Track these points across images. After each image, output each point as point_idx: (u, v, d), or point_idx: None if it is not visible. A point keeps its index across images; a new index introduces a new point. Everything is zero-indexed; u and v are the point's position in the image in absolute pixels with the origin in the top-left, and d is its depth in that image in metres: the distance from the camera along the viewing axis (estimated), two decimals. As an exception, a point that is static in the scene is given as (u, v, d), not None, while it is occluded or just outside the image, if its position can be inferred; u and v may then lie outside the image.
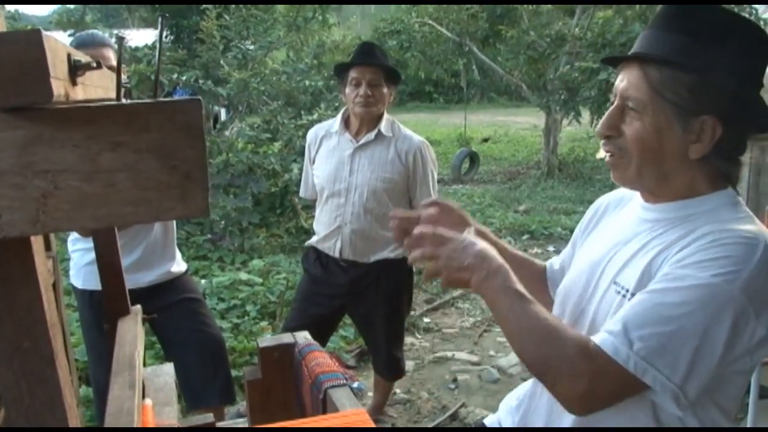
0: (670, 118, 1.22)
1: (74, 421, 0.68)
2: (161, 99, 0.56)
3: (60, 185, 0.53)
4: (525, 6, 11.89)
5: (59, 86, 0.52)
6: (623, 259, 1.33)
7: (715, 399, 1.23)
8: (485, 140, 16.28)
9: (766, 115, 1.25)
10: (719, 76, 1.21)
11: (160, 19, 0.72)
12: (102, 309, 2.45)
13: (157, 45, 0.66)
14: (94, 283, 2.55)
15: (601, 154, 1.45)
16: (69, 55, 0.59)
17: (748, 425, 2.70)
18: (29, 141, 0.52)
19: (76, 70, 0.59)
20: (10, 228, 0.53)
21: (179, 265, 2.77)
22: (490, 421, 1.68)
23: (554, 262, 1.72)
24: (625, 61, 1.30)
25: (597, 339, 1.17)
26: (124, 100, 0.67)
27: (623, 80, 1.28)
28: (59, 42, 0.56)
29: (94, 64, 0.61)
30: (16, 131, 0.52)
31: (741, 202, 1.30)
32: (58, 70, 0.53)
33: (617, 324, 1.16)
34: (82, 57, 0.62)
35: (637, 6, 10.63)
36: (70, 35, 8.35)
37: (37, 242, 0.60)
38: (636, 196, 1.44)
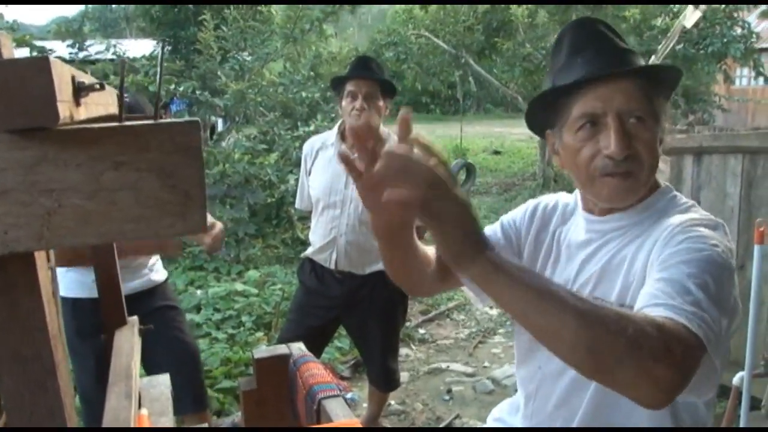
0: (659, 121, 1.29)
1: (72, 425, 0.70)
2: (162, 120, 0.58)
3: (64, 203, 0.56)
4: (521, 18, 11.96)
5: (65, 108, 0.55)
6: (590, 275, 1.36)
7: (702, 392, 1.25)
8: (497, 152, 16.28)
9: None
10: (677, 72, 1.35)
11: (161, 45, 0.75)
12: (85, 317, 2.48)
13: (158, 69, 0.69)
14: (77, 292, 2.58)
15: None
16: (73, 78, 0.61)
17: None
18: (35, 161, 0.55)
19: (80, 91, 0.62)
20: (15, 244, 0.56)
21: (160, 274, 2.82)
22: None
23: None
24: (601, 81, 1.28)
25: (663, 313, 1.06)
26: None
27: (614, 98, 1.27)
28: (65, 66, 0.59)
29: (98, 86, 0.64)
30: (23, 152, 0.54)
31: (677, 193, 1.38)
32: (63, 93, 0.55)
33: (653, 298, 1.10)
34: (86, 79, 0.65)
35: (631, 19, 10.72)
36: (68, 45, 8.38)
37: (40, 257, 0.63)
38: (577, 210, 1.48)
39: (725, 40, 12.30)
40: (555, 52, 1.40)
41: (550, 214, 1.57)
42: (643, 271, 1.25)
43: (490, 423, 1.69)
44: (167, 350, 2.65)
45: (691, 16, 6.54)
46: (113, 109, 1.06)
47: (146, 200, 0.58)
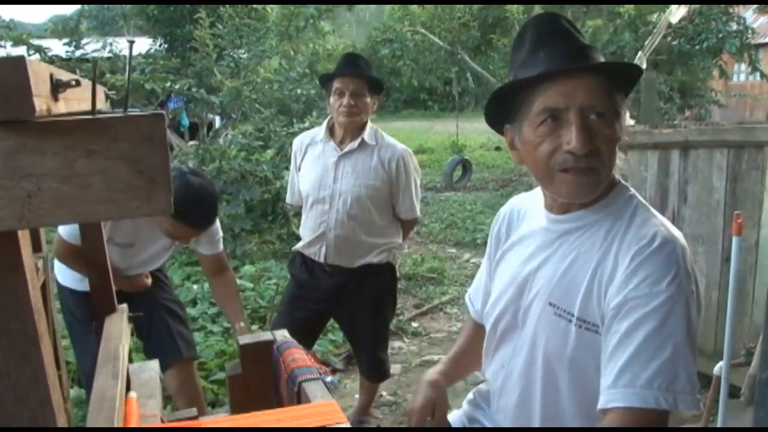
0: (619, 116, 1.33)
1: (56, 397, 0.76)
2: (129, 113, 0.65)
3: (42, 187, 0.62)
4: (516, 15, 12.02)
5: (41, 103, 0.61)
6: (551, 279, 1.41)
7: None
8: (498, 148, 16.31)
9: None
10: (639, 68, 1.38)
11: (129, 44, 0.81)
12: (85, 305, 2.58)
13: (127, 66, 0.76)
14: (78, 285, 2.67)
15: None
16: (51, 75, 0.68)
17: (719, 424, 2.79)
18: (15, 149, 0.61)
19: (57, 87, 0.68)
20: (0, 223, 0.63)
21: None
22: (453, 417, 1.76)
23: (474, 300, 1.77)
24: (563, 76, 1.31)
25: (617, 400, 1.24)
26: (101, 112, 0.76)
27: (575, 94, 1.29)
28: (43, 64, 0.66)
29: (74, 83, 0.70)
30: (4, 141, 0.61)
31: (633, 192, 1.42)
32: (40, 88, 0.62)
33: (622, 375, 1.24)
34: (64, 76, 0.71)
35: (626, 15, 10.77)
36: (65, 44, 8.44)
37: (24, 237, 0.69)
38: (536, 205, 1.53)
39: (720, 35, 12.33)
40: (517, 47, 1.42)
41: (511, 217, 1.64)
42: (604, 288, 1.31)
43: (467, 403, 1.75)
44: (155, 308, 2.85)
45: (677, 11, 6.61)
46: (82, 105, 1.12)
47: (116, 185, 0.64)
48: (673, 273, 1.24)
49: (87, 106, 0.93)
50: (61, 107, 0.73)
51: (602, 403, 1.26)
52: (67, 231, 2.46)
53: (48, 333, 0.78)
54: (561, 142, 1.30)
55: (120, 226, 2.56)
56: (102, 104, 1.16)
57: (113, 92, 1.63)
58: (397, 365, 4.31)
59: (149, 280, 2.80)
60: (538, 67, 1.32)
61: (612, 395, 1.24)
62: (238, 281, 5.35)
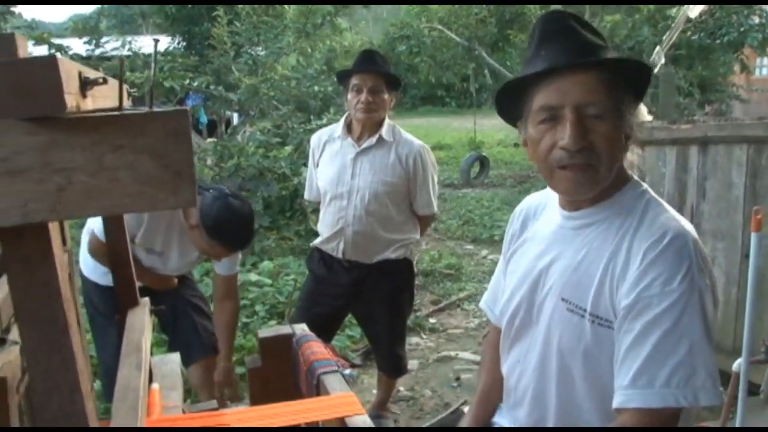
0: (622, 114, 1.33)
1: (85, 384, 0.79)
2: (156, 109, 0.67)
3: (73, 180, 0.65)
4: (534, 11, 11.96)
5: (71, 99, 0.64)
6: (563, 274, 1.42)
7: None
8: (516, 145, 16.24)
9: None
10: (648, 65, 1.37)
11: (155, 42, 0.84)
12: (108, 298, 2.64)
13: (152, 65, 0.78)
14: (102, 279, 2.72)
15: None
16: (80, 73, 0.70)
17: (737, 422, 2.77)
18: (47, 145, 0.64)
19: (86, 84, 0.71)
20: (34, 215, 0.66)
21: None
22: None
23: (493, 307, 1.75)
24: (558, 74, 1.32)
25: (636, 401, 1.25)
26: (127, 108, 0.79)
27: (571, 91, 1.30)
28: (72, 63, 0.68)
29: (101, 80, 0.73)
30: (37, 137, 0.64)
31: (646, 188, 1.41)
32: (70, 86, 0.64)
33: (640, 375, 1.25)
34: (91, 74, 0.74)
35: (645, 10, 10.68)
36: (85, 42, 8.53)
37: (54, 229, 0.72)
38: (550, 202, 1.53)
39: (742, 29, 12.19)
40: (527, 44, 1.43)
41: (527, 214, 1.65)
42: (616, 284, 1.32)
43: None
44: (180, 304, 2.90)
45: (695, 6, 6.55)
46: (107, 102, 1.15)
47: (143, 178, 0.67)
48: (685, 269, 1.25)
49: (112, 103, 0.96)
50: (89, 104, 0.75)
51: (620, 402, 1.27)
52: (99, 229, 2.52)
53: (75, 322, 0.81)
54: (557, 138, 1.31)
55: (153, 235, 2.63)
56: (124, 101, 1.19)
57: (134, 90, 1.67)
58: (414, 361, 4.33)
59: (175, 280, 2.85)
60: (539, 64, 1.33)
61: (630, 395, 1.26)
62: (257, 277, 5.42)
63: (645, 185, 1.43)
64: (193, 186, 0.68)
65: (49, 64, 0.59)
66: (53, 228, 0.72)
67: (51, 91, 0.60)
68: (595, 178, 1.33)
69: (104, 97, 0.92)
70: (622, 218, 1.37)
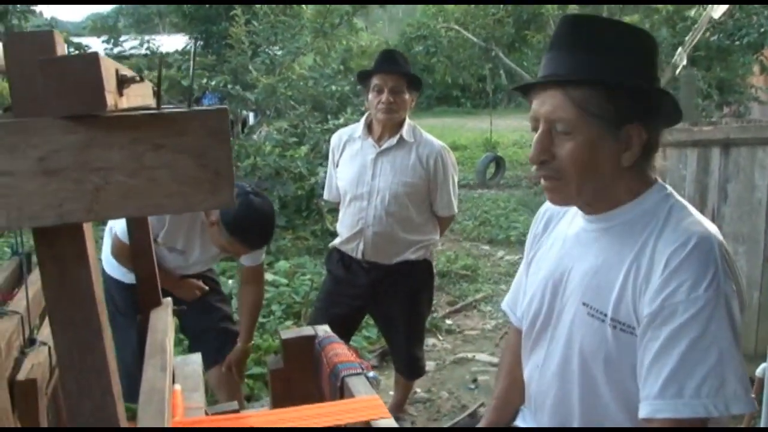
0: (601, 133, 1.29)
1: (116, 387, 0.78)
2: (195, 108, 0.66)
3: (110, 180, 0.64)
4: (551, 11, 11.90)
5: (110, 98, 0.63)
6: (584, 278, 1.39)
7: None
8: None
9: (675, 109, 1.34)
10: (633, 84, 1.29)
11: (194, 41, 0.82)
12: (128, 296, 2.62)
13: (191, 64, 0.77)
14: (121, 276, 2.72)
15: None
16: (117, 71, 0.69)
17: (762, 424, 2.73)
18: (85, 143, 0.63)
19: (123, 83, 0.70)
20: (69, 215, 0.64)
21: None
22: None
23: (514, 308, 1.73)
24: (541, 86, 1.33)
25: (666, 411, 1.22)
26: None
27: (544, 104, 1.31)
28: (109, 60, 0.67)
29: (138, 78, 0.71)
30: (75, 135, 0.62)
31: (670, 191, 1.38)
32: (109, 84, 0.63)
33: (669, 385, 1.22)
34: (127, 72, 0.73)
35: (664, 10, 10.60)
36: (103, 41, 8.58)
37: (88, 229, 0.71)
38: (574, 207, 1.50)
39: (762, 30, 12.07)
40: None
41: (550, 217, 1.63)
42: (639, 289, 1.29)
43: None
44: (204, 306, 2.88)
45: (718, 6, 6.47)
46: (150, 101, 1.14)
47: (182, 178, 0.65)
48: (711, 275, 1.22)
49: (143, 102, 0.94)
50: (124, 102, 0.74)
51: (648, 413, 1.25)
52: (123, 231, 2.50)
53: (107, 323, 0.80)
54: None
55: (176, 234, 2.62)
56: (150, 100, 1.18)
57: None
58: (431, 362, 4.31)
59: (199, 292, 2.83)
60: (540, 71, 1.36)
61: (659, 406, 1.23)
62: (273, 276, 5.41)
63: (669, 188, 1.40)
64: (232, 187, 0.67)
65: (91, 61, 0.58)
66: (88, 228, 0.70)
67: (92, 88, 0.59)
68: (565, 192, 1.35)
69: (136, 96, 0.91)
70: (645, 222, 1.34)
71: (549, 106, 1.30)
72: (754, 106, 14.32)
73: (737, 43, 12.00)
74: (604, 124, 1.28)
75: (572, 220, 1.52)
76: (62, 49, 0.65)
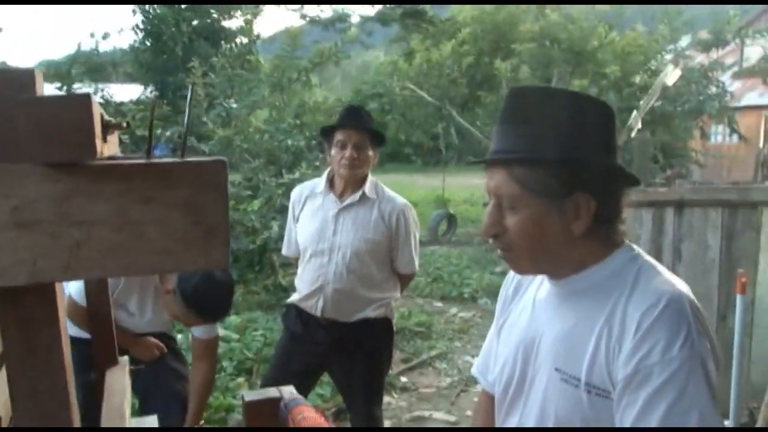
0: (544, 207, 1.27)
1: (81, 464, 0.70)
2: (190, 159, 0.61)
3: (93, 235, 0.57)
4: (504, 72, 12.22)
5: (98, 144, 0.57)
6: (554, 343, 1.36)
7: None
8: (486, 204, 16.29)
9: (629, 175, 1.35)
10: (581, 156, 1.29)
11: (191, 87, 0.78)
12: (75, 353, 2.47)
13: (186, 110, 0.72)
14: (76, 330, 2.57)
15: None
16: (102, 116, 0.63)
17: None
18: (67, 194, 0.56)
19: (107, 128, 0.64)
20: (42, 274, 0.57)
21: None
22: None
23: (484, 373, 1.68)
24: (490, 162, 1.33)
25: None
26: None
27: (492, 179, 1.32)
28: (97, 104, 0.61)
29: (124, 125, 0.66)
30: (56, 184, 0.56)
31: (638, 252, 1.36)
32: (97, 130, 0.57)
33: None
34: (110, 118, 0.67)
35: (612, 76, 10.99)
36: (56, 88, 8.42)
37: (59, 288, 0.64)
38: None
39: (701, 98, 12.66)
40: None
41: (520, 279, 1.59)
42: (612, 352, 1.26)
43: None
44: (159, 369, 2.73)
45: (671, 74, 6.75)
46: (116, 149, 1.08)
47: (173, 234, 0.59)
48: (684, 334, 1.20)
49: (116, 150, 0.88)
50: (105, 149, 0.68)
51: None
52: (78, 291, 2.33)
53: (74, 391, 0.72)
54: None
55: (129, 293, 2.52)
56: (116, 148, 1.12)
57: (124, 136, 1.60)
58: (387, 421, 4.20)
59: (158, 352, 2.70)
60: (491, 144, 1.36)
61: None
62: (224, 331, 5.25)
63: (637, 249, 1.39)
64: (227, 246, 0.61)
65: (81, 103, 0.52)
66: (59, 288, 0.64)
67: (82, 134, 0.53)
68: (521, 264, 1.36)
69: (109, 143, 0.85)
70: (614, 284, 1.32)
71: (495, 181, 1.31)
72: (694, 169, 14.94)
73: (679, 109, 12.52)
74: (547, 200, 1.27)
75: (541, 284, 1.49)
76: (41, 89, 0.59)
